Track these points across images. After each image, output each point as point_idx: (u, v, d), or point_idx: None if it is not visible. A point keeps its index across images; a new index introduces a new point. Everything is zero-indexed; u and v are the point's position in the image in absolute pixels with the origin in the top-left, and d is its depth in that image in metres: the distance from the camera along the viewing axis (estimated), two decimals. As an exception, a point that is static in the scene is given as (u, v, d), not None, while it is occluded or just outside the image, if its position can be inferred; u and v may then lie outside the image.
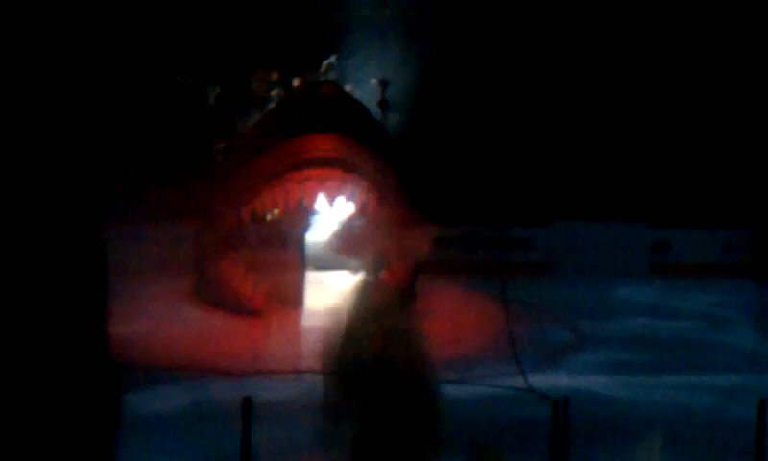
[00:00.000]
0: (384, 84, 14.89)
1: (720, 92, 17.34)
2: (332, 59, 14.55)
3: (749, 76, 17.24)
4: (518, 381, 9.88)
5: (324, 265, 13.78)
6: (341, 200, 13.00)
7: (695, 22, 17.06)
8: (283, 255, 13.78)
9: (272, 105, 14.42)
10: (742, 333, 12.62)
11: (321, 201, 13.20)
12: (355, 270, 12.97)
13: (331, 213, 13.30)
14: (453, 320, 12.89)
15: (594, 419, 8.59)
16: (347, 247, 13.73)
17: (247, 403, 6.99)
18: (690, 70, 17.34)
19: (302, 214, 13.28)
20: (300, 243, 13.81)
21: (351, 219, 13.14)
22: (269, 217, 13.22)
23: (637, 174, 17.02)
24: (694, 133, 17.35)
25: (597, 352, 11.47)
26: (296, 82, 14.52)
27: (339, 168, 13.26)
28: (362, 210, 12.96)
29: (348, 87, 14.37)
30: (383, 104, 14.91)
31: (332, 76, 14.39)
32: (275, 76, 14.69)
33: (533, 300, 13.52)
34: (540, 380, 9.81)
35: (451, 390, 9.59)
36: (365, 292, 13.21)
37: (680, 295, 14.74)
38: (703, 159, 17.23)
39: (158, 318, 12.26)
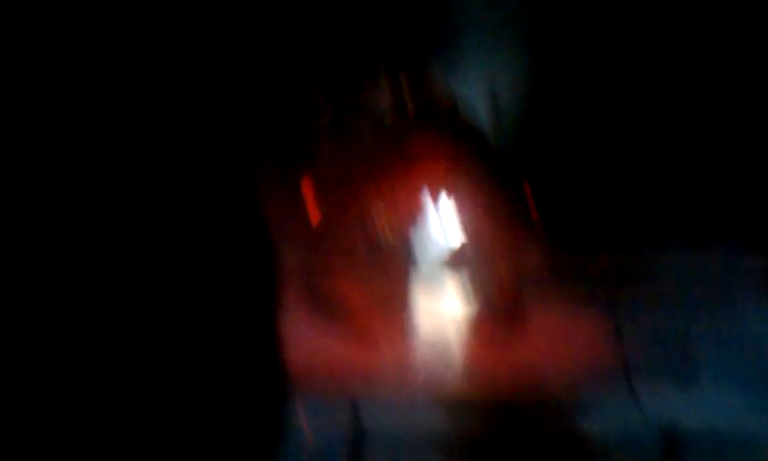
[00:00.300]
0: (495, 95, 14.77)
1: None
2: (440, 66, 14.47)
3: None
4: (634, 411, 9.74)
5: (436, 282, 13.80)
6: (454, 217, 13.05)
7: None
8: (395, 271, 13.83)
9: (384, 118, 14.45)
10: None
11: (434, 217, 13.27)
12: (468, 288, 13.06)
13: (445, 230, 13.35)
14: (565, 344, 12.73)
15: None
16: (460, 264, 13.80)
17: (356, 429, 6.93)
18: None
19: (415, 231, 13.35)
20: (413, 259, 13.83)
21: (465, 237, 13.15)
22: (381, 232, 13.29)
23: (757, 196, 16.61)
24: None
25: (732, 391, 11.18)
26: (409, 98, 14.52)
27: (452, 184, 13.36)
28: (476, 229, 12.97)
29: (458, 97, 14.34)
30: (495, 115, 14.82)
31: (442, 86, 14.36)
32: (387, 87, 14.67)
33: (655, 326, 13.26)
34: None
35: (560, 417, 9.47)
36: (477, 309, 13.22)
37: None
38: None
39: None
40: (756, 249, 15.71)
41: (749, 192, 16.78)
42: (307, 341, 11.90)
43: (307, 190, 14.52)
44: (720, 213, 16.27)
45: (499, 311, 12.73)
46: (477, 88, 14.77)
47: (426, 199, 13.01)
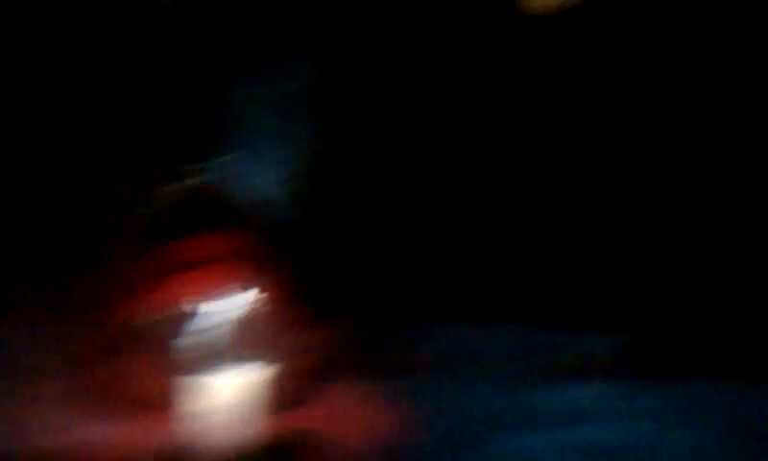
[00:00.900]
0: (277, 180, 14.78)
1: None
2: (220, 158, 14.35)
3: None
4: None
5: (214, 366, 13.47)
6: (231, 298, 12.76)
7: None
8: (170, 356, 13.44)
9: (158, 205, 14.21)
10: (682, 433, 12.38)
11: (209, 299, 12.94)
12: (249, 369, 12.69)
13: (221, 312, 13.03)
14: (355, 422, 12.63)
15: None
16: (239, 346, 13.54)
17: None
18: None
19: (189, 313, 13.02)
20: (188, 343, 13.47)
21: (243, 317, 12.89)
22: (155, 318, 12.89)
23: (515, 272, 17.07)
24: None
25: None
26: (182, 182, 14.32)
27: (228, 267, 13.12)
28: (254, 308, 12.73)
29: (237, 185, 14.24)
30: (276, 200, 14.78)
31: (221, 175, 14.26)
32: (160, 176, 14.47)
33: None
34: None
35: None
36: (260, 391, 12.88)
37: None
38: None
39: (37, 424, 11.91)
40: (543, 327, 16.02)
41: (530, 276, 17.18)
42: (74, 431, 11.39)
43: (85, 283, 14.09)
44: (506, 293, 16.61)
45: (285, 396, 12.48)
46: (257, 176, 14.71)
47: (205, 284, 12.69)
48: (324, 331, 14.39)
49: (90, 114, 15.59)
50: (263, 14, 15.52)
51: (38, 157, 15.31)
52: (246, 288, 12.44)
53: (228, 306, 12.56)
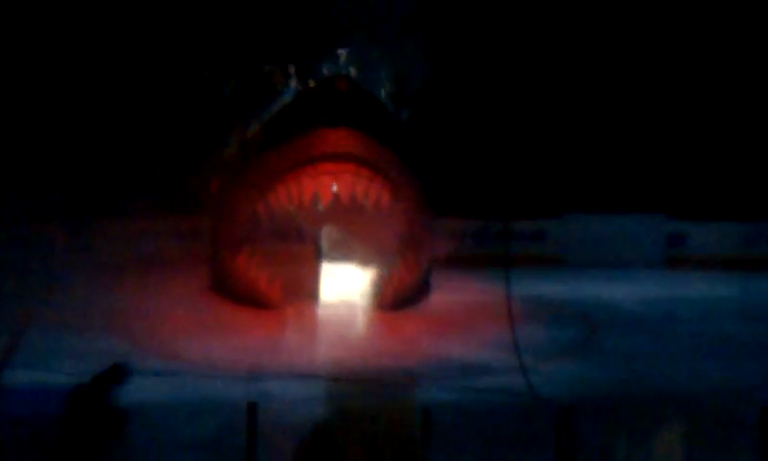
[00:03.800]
0: (399, 78, 14.78)
1: (737, 83, 17.39)
2: (345, 51, 14.37)
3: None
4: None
5: (338, 258, 13.92)
6: (355, 194, 12.77)
7: (711, 16, 17.14)
8: (298, 249, 13.75)
9: (287, 99, 14.34)
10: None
11: (335, 195, 12.95)
12: (369, 264, 13.08)
13: (346, 207, 13.01)
14: (464, 315, 13.01)
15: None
16: (361, 241, 13.74)
17: (252, 408, 6.92)
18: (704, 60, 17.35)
19: (316, 208, 13.19)
20: (315, 237, 13.74)
21: (365, 213, 13.00)
22: (284, 211, 13.07)
23: (654, 165, 16.99)
24: (709, 123, 17.30)
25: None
26: (311, 76, 14.41)
27: (353, 163, 12.93)
28: (376, 205, 12.86)
29: (360, 80, 14.18)
30: (398, 98, 14.85)
31: (347, 69, 14.30)
32: (291, 69, 14.62)
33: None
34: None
35: (451, 393, 9.58)
36: (378, 285, 13.26)
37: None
38: (718, 150, 17.22)
39: (174, 311, 12.51)
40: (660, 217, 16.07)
41: (655, 165, 17.16)
42: (213, 323, 11.92)
43: (214, 178, 14.55)
44: (627, 183, 16.68)
45: (401, 293, 12.68)
46: (379, 73, 14.86)
47: (328, 178, 12.84)
48: (445, 227, 14.56)
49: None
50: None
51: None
52: (367, 186, 12.58)
53: (354, 202, 12.74)
